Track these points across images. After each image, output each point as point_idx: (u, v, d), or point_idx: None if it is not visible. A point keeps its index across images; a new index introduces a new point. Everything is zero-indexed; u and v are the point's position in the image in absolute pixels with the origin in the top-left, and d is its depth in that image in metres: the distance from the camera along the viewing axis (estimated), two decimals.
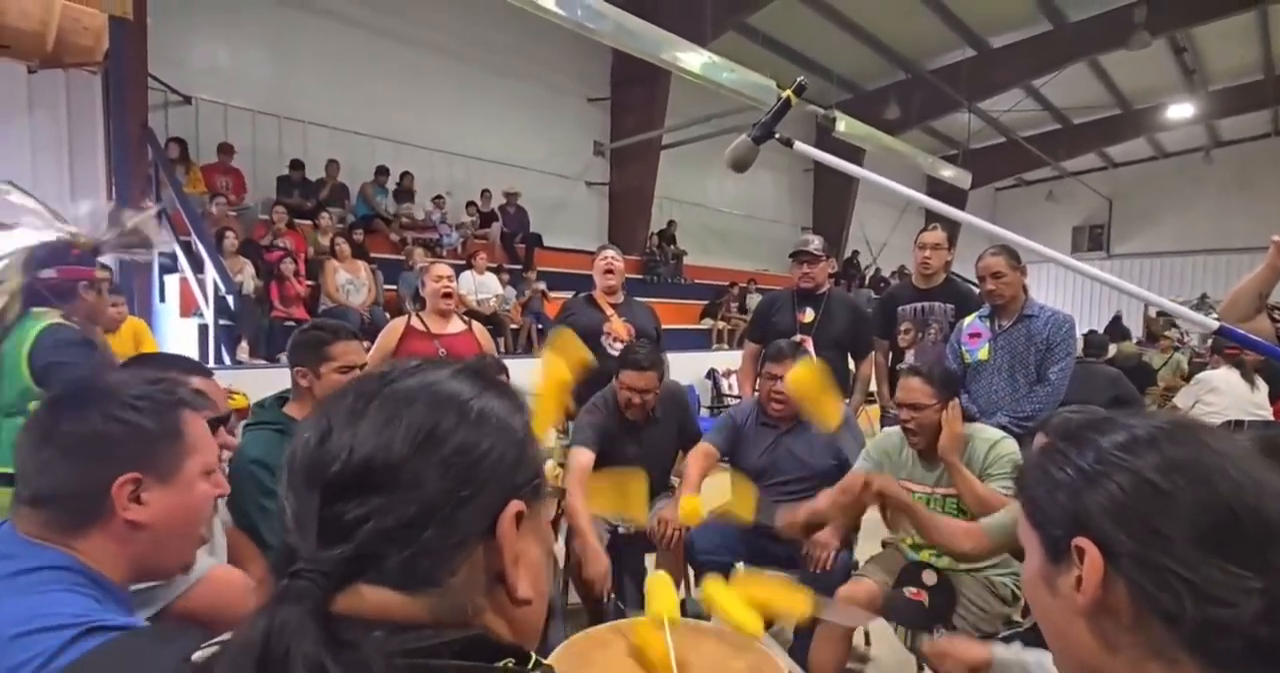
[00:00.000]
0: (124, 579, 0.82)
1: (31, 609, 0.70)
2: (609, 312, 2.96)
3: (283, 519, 0.45)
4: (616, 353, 2.85)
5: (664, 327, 3.32)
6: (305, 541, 0.42)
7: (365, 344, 5.68)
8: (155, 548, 0.83)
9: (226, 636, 0.45)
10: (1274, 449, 0.84)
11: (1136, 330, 11.80)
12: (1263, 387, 4.23)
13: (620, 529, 2.44)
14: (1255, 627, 0.43)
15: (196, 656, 0.43)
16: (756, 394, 2.61)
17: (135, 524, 0.80)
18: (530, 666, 0.43)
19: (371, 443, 0.43)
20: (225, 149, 6.56)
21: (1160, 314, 11.36)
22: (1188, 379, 5.68)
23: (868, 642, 2.56)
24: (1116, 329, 10.75)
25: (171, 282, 5.57)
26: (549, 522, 0.55)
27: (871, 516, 2.25)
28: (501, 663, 0.42)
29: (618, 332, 2.91)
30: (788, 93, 1.01)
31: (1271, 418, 4.17)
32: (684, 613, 2.41)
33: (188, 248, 5.31)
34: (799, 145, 1.02)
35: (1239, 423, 4.04)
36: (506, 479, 0.46)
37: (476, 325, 2.95)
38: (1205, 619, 0.44)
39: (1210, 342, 5.66)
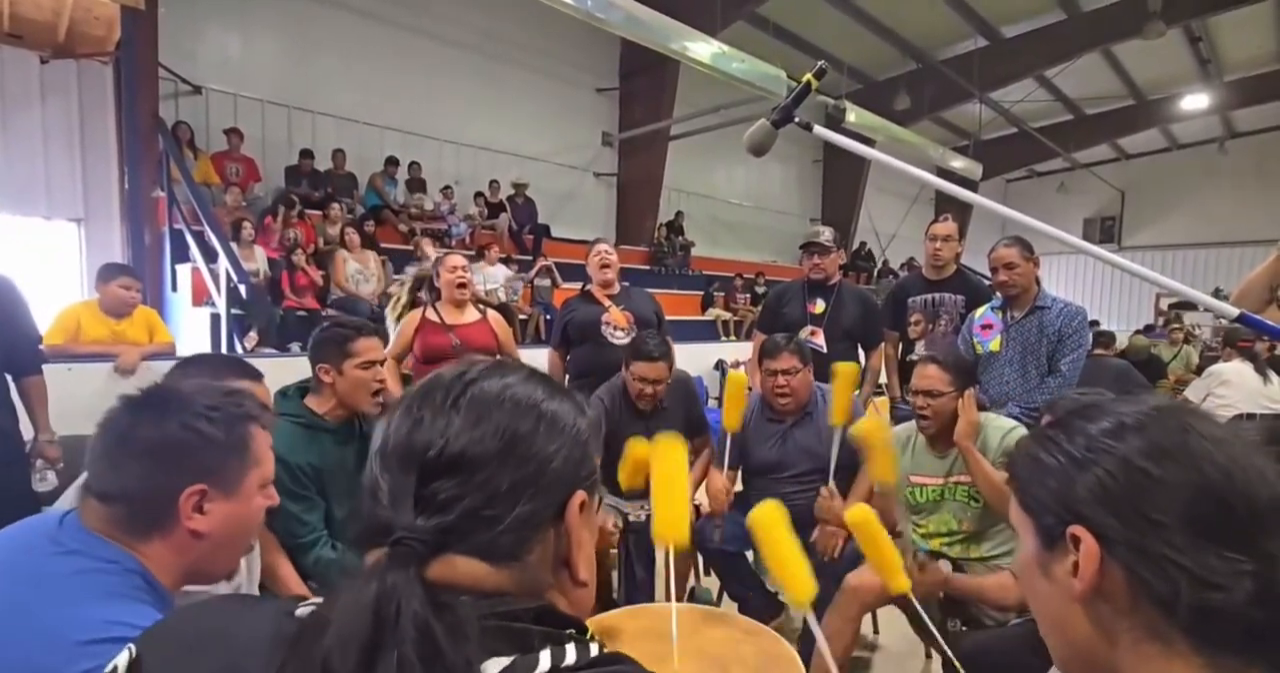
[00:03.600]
0: (173, 585, 0.84)
1: (105, 615, 0.71)
2: (606, 303, 2.97)
3: (375, 496, 0.50)
4: (619, 341, 2.86)
5: (672, 318, 3.33)
6: (402, 514, 0.48)
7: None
8: (209, 556, 0.85)
9: (318, 599, 0.49)
10: (1278, 437, 0.84)
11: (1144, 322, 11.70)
12: (1275, 379, 4.19)
13: (631, 518, 2.46)
14: (1249, 609, 0.43)
15: (299, 611, 0.48)
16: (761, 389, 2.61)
17: (196, 533, 0.82)
18: (588, 637, 0.48)
19: (465, 438, 0.49)
20: (235, 134, 6.55)
21: (1172, 306, 11.27)
22: (1198, 372, 5.64)
23: (876, 630, 2.58)
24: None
25: (183, 271, 5.61)
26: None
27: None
28: (567, 631, 0.47)
29: (617, 320, 2.92)
30: (808, 76, 1.00)
31: None
32: (693, 600, 2.45)
33: (200, 237, 5.34)
34: (819, 129, 1.02)
35: (1250, 416, 4.02)
36: (573, 473, 0.53)
37: (492, 314, 2.95)
38: (1200, 604, 0.44)
39: (1222, 335, 5.60)
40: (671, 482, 1.39)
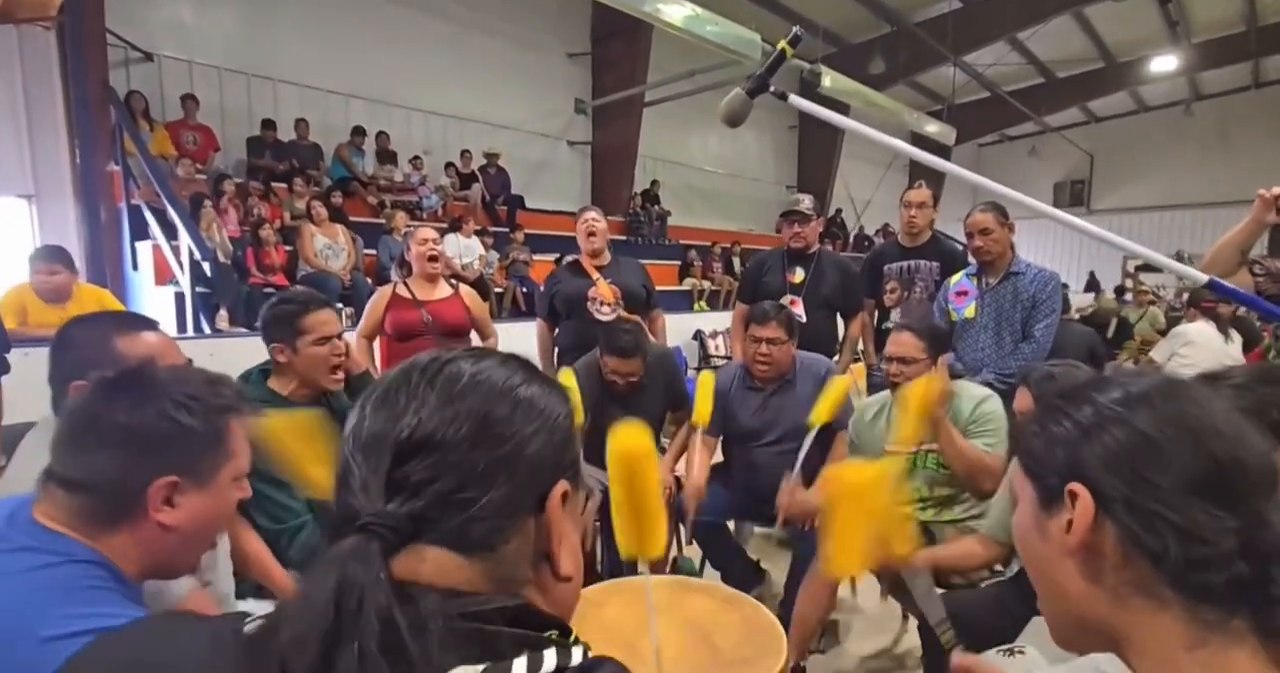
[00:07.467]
0: (137, 579, 0.81)
1: (66, 611, 0.69)
2: (594, 275, 2.93)
3: (346, 482, 0.48)
4: (604, 317, 2.84)
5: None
6: (371, 499, 0.46)
7: (348, 310, 5.46)
8: (176, 550, 0.82)
9: (266, 611, 0.47)
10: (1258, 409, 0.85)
11: (1113, 285, 11.94)
12: (1237, 339, 4.31)
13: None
14: (1233, 562, 0.46)
15: (248, 628, 0.45)
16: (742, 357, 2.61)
17: (165, 526, 0.79)
18: (571, 640, 0.46)
19: (435, 421, 0.47)
20: (190, 99, 6.29)
21: (1139, 269, 11.51)
22: (1164, 333, 5.78)
23: (854, 593, 2.64)
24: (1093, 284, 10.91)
25: (144, 249, 5.42)
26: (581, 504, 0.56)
27: None
28: (547, 634, 0.45)
29: (603, 295, 2.89)
30: (783, 44, 0.97)
31: None
32: (675, 570, 2.48)
33: (159, 213, 5.16)
34: (793, 98, 1.00)
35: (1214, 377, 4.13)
36: (553, 461, 0.51)
37: (464, 289, 2.90)
38: (1188, 557, 0.47)
39: (1186, 296, 5.75)
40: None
